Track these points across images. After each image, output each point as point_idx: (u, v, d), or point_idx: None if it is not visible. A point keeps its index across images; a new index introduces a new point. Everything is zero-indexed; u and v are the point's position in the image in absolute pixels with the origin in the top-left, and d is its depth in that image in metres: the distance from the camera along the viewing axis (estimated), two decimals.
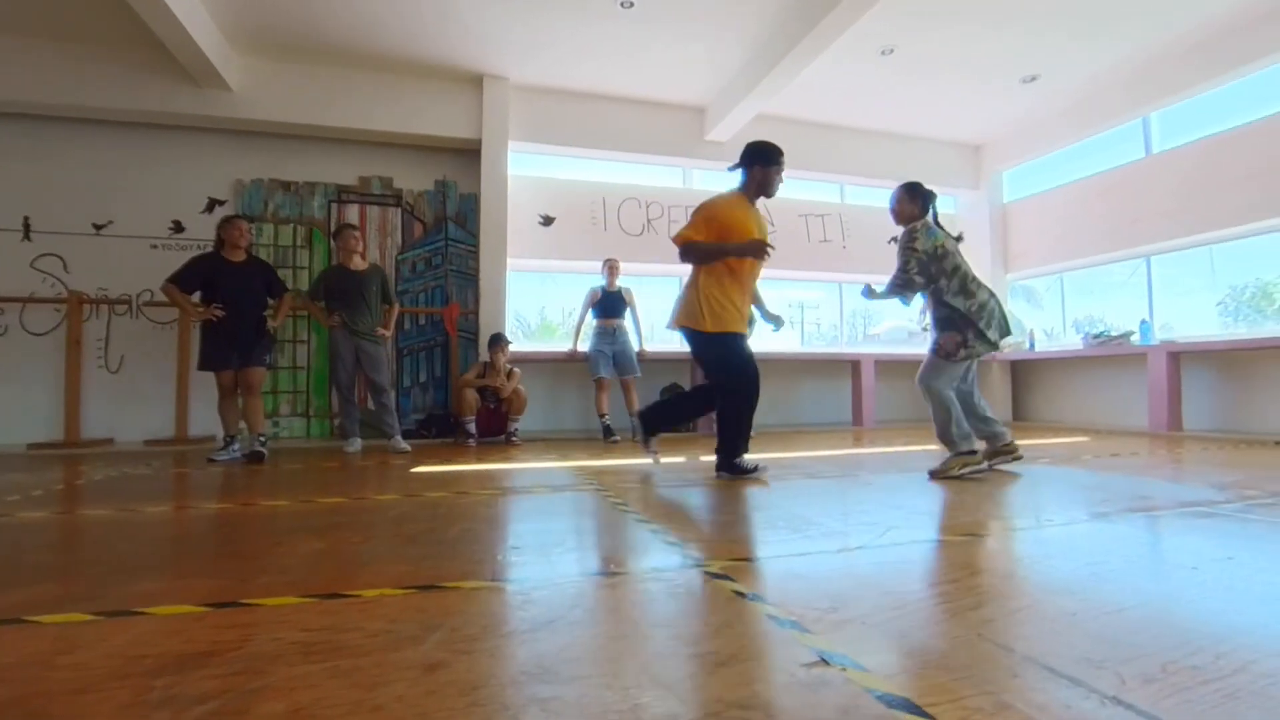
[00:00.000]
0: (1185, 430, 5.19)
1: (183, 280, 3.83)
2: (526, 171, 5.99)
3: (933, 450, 4.09)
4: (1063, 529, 1.86)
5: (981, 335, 2.91)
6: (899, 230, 3.08)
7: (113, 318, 5.04)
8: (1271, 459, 3.51)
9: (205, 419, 4.88)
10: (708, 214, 2.93)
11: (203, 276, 3.86)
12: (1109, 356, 5.93)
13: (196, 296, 3.90)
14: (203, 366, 3.88)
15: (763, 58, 5.08)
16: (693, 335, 2.97)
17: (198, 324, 3.97)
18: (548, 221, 5.97)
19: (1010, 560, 1.56)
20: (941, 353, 2.93)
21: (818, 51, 4.69)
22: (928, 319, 3.09)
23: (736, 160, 3.04)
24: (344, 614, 1.18)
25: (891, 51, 5.24)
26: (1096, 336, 5.94)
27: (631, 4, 4.54)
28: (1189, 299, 5.65)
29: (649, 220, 6.25)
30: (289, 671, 0.93)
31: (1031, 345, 6.68)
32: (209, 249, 4.06)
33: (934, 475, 2.89)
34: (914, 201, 3.06)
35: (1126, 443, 4.53)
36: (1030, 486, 2.65)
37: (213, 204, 5.27)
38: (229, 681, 0.90)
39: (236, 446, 3.92)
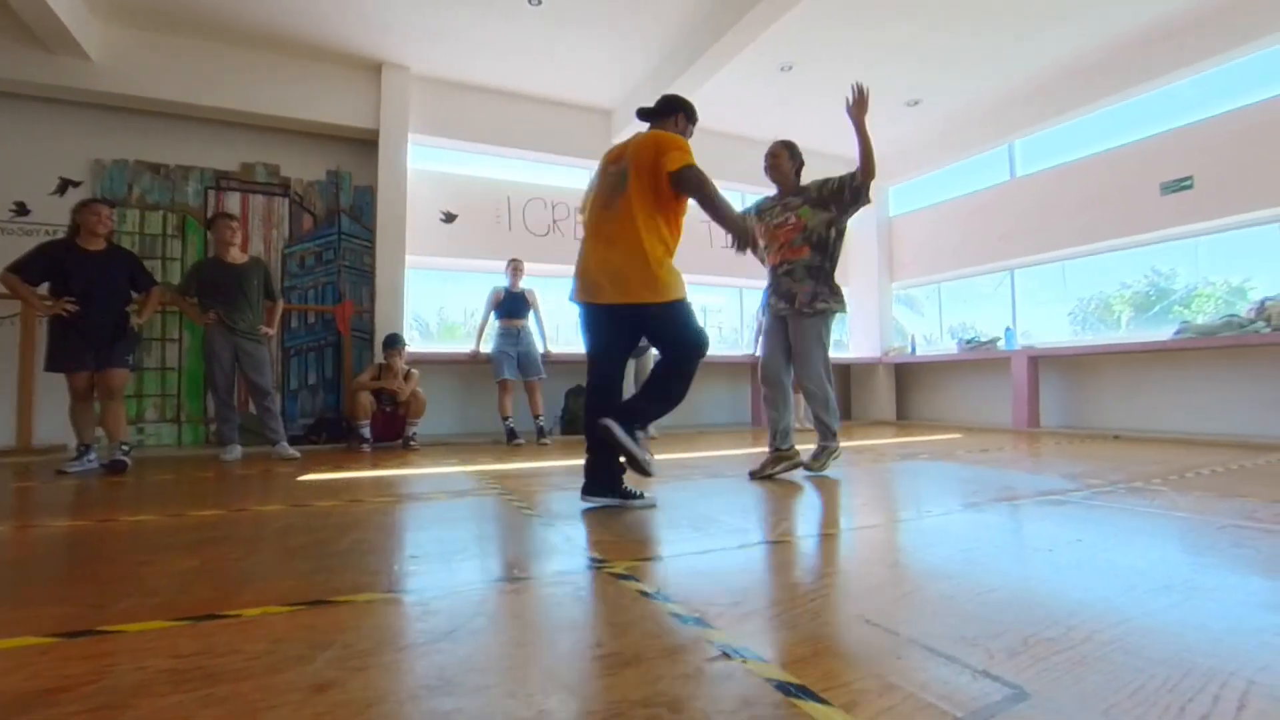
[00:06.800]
0: (1042, 427, 5.77)
1: (26, 269, 3.39)
2: (427, 166, 5.78)
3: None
4: (940, 519, 2.01)
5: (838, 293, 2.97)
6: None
7: None
8: (1110, 451, 3.97)
9: (54, 426, 4.34)
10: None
11: (52, 266, 3.43)
12: (979, 360, 6.49)
13: (45, 288, 3.47)
14: (51, 367, 3.45)
15: (670, 65, 5.18)
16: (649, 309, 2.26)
17: (44, 319, 3.54)
18: (449, 218, 5.79)
19: (895, 550, 1.67)
20: (808, 304, 2.91)
21: (721, 64, 4.85)
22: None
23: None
24: (221, 636, 1.08)
25: (790, 69, 5.49)
26: (968, 342, 6.48)
27: (540, 1, 4.50)
28: (1045, 309, 6.30)
29: (554, 221, 6.20)
30: (156, 703, 0.85)
31: (913, 349, 7.21)
32: (61, 235, 3.63)
33: (811, 468, 2.98)
34: (794, 160, 3.14)
35: (994, 439, 4.97)
36: (912, 480, 2.85)
37: (65, 185, 4.71)
38: (83, 719, 0.80)
39: (93, 456, 3.52)
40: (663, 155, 2.24)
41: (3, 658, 1.00)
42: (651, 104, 2.56)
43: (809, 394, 3.01)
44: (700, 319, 2.48)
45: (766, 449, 3.04)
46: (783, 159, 3.13)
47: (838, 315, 3.04)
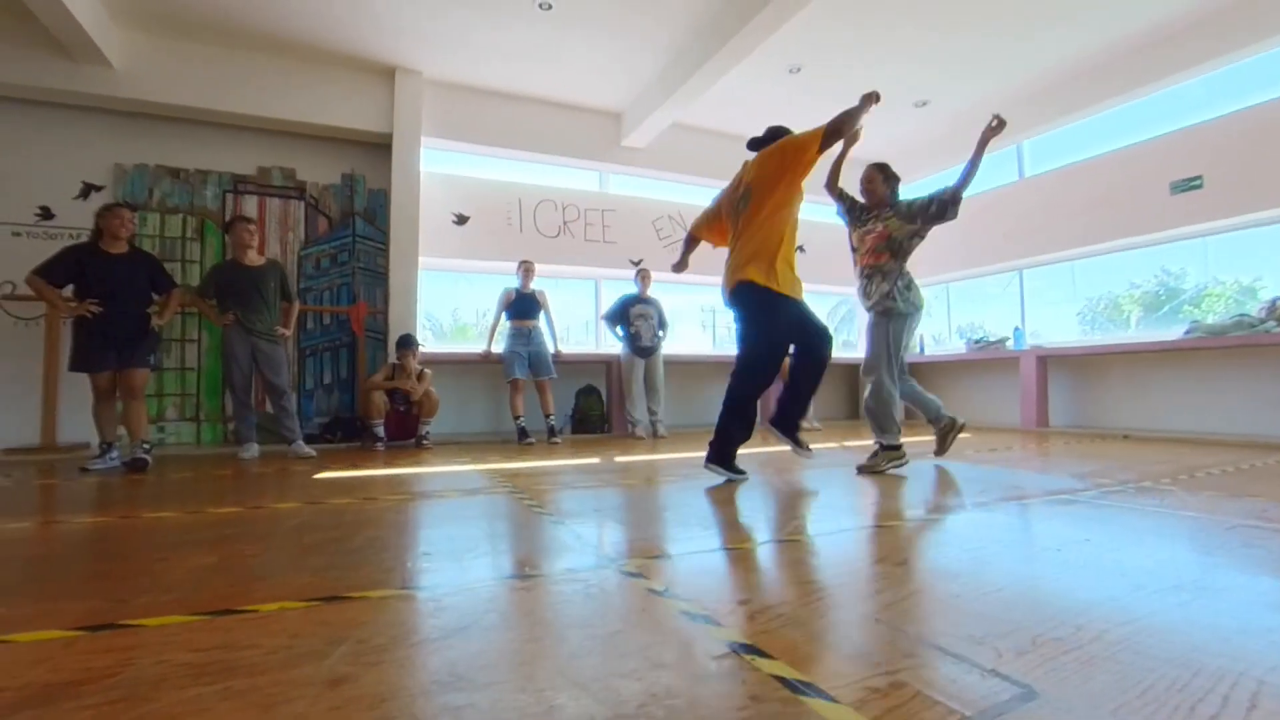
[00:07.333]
0: (1051, 426, 5.73)
1: (51, 272, 3.46)
2: (439, 169, 5.83)
3: (833, 447, 4.30)
4: (949, 518, 2.01)
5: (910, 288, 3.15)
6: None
7: None
8: (1120, 451, 3.93)
9: (78, 425, 4.42)
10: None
11: (75, 269, 3.50)
12: (988, 360, 6.45)
13: (69, 290, 3.53)
14: (75, 367, 3.52)
15: (678, 67, 5.19)
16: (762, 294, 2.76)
17: (68, 320, 3.60)
18: (461, 221, 5.83)
19: (904, 548, 1.67)
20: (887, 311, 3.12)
21: (730, 65, 4.85)
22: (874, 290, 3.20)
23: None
24: (238, 631, 1.11)
25: (799, 70, 5.48)
26: (977, 342, 6.44)
27: (550, 6, 4.52)
28: (1054, 309, 6.24)
29: (565, 223, 6.23)
30: (175, 696, 0.87)
31: (921, 349, 7.18)
32: (84, 238, 3.70)
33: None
34: (888, 181, 3.27)
35: (1002, 438, 4.93)
36: (921, 480, 2.84)
37: (88, 189, 4.79)
38: (105, 711, 0.83)
39: (115, 454, 3.59)
40: (792, 158, 2.74)
41: (27, 650, 1.03)
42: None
43: (869, 391, 3.18)
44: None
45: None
46: (877, 182, 3.27)
47: (916, 315, 3.19)
